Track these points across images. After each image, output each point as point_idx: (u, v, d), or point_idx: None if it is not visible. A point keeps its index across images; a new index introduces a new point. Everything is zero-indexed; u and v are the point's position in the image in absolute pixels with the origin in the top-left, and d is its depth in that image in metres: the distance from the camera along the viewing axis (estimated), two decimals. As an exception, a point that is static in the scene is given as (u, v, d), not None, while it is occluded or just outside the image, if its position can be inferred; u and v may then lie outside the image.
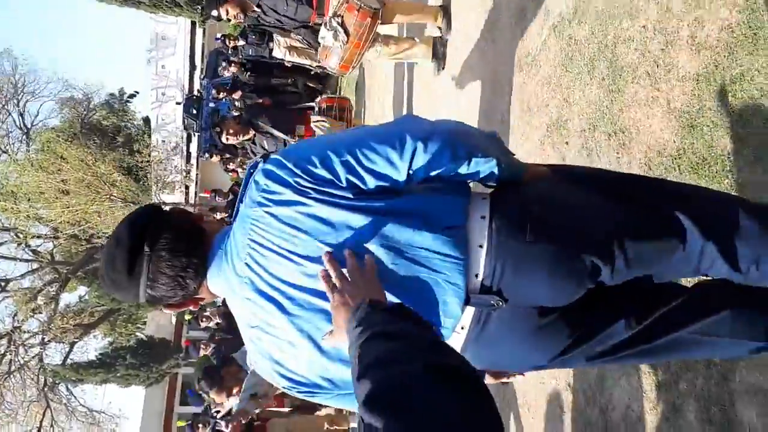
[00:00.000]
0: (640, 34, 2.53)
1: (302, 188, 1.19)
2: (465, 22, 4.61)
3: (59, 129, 18.94)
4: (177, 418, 15.28)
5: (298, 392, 1.29)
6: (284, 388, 1.30)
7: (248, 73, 8.89)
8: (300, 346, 1.22)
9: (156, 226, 1.27)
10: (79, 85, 22.99)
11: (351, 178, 1.20)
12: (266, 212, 1.21)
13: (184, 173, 16.06)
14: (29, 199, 15.69)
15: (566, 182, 1.35)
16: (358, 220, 1.18)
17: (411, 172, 1.20)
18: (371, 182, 1.20)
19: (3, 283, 18.76)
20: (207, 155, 9.93)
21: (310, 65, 7.09)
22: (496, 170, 1.25)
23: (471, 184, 1.32)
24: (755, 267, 1.27)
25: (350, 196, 1.19)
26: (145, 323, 20.22)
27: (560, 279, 1.20)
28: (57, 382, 18.19)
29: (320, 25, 4.53)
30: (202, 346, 9.69)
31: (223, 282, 1.28)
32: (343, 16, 4.16)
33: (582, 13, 2.98)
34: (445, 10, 4.85)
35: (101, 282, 1.34)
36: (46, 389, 17.92)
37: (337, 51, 4.28)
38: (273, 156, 1.26)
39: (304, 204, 1.19)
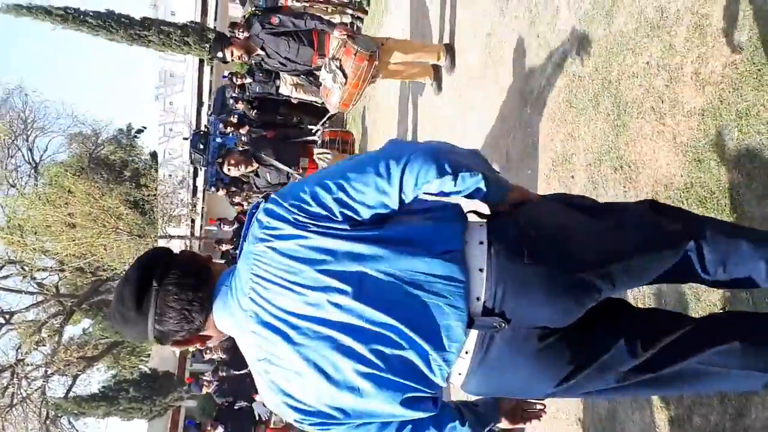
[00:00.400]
0: (644, 71, 2.57)
1: (301, 223, 1.24)
2: (468, 60, 4.69)
3: (67, 163, 19.13)
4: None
5: (310, 424, 1.30)
6: (295, 421, 1.30)
7: (254, 111, 9.00)
8: (306, 375, 1.24)
9: (165, 264, 1.33)
10: (88, 121, 23.13)
11: (345, 211, 1.24)
12: (268, 247, 1.25)
13: (190, 206, 16.13)
14: (36, 233, 15.75)
15: (561, 206, 1.39)
16: (359, 249, 1.22)
17: (403, 195, 1.24)
18: (365, 213, 1.25)
19: (8, 316, 18.74)
20: (213, 189, 10.03)
21: (315, 101, 7.20)
22: (482, 185, 1.27)
23: (466, 212, 1.35)
24: (722, 269, 1.34)
25: (347, 227, 1.24)
26: (148, 356, 20.08)
27: (558, 298, 1.22)
28: (59, 415, 17.98)
29: (320, 67, 4.69)
30: (204, 383, 9.60)
31: (228, 317, 1.32)
32: (341, 60, 4.29)
33: (585, 50, 3.04)
34: (449, 48, 4.94)
35: (111, 320, 1.38)
36: (48, 422, 17.69)
37: (337, 92, 4.43)
38: (272, 196, 1.31)
39: (304, 237, 1.24)
